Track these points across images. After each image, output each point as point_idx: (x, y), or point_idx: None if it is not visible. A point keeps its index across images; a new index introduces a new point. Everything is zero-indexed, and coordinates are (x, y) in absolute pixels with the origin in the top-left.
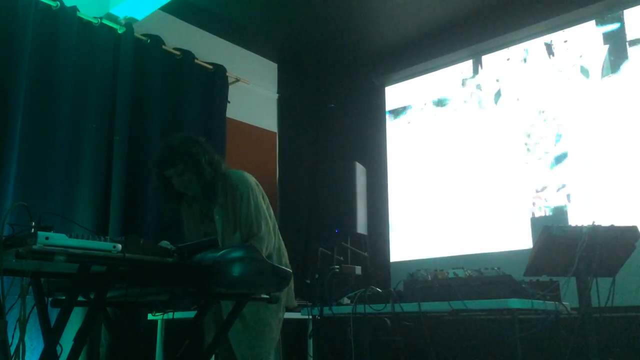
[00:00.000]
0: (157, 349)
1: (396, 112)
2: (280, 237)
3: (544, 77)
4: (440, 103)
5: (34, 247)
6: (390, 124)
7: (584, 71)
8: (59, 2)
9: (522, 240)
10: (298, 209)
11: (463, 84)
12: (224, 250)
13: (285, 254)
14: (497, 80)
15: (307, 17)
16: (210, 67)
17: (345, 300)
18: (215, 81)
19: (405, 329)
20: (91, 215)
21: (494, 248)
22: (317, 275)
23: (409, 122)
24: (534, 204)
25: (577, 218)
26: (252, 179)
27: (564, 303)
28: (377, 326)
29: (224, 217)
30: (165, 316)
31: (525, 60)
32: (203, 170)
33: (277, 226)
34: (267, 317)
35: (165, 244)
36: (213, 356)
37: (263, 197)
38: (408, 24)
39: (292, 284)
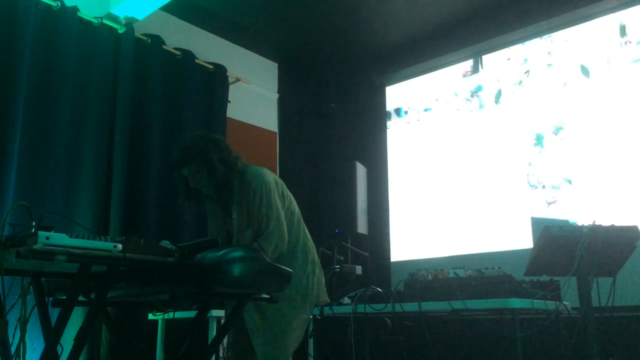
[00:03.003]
0: (158, 349)
1: (396, 112)
2: (307, 233)
3: (544, 76)
4: (440, 103)
5: (35, 247)
6: (391, 123)
7: (585, 70)
8: (59, 2)
9: (523, 240)
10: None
11: (463, 83)
12: (225, 250)
13: (313, 249)
14: (498, 80)
15: (308, 17)
16: (211, 66)
17: (346, 300)
18: (215, 81)
19: (406, 328)
20: (92, 215)
21: (494, 248)
22: None
23: (409, 122)
24: (534, 203)
25: (578, 218)
26: (269, 176)
27: (564, 303)
28: (377, 326)
29: (239, 214)
30: (166, 316)
31: (525, 59)
32: (214, 168)
33: (302, 222)
34: (289, 316)
35: (165, 243)
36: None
37: (283, 194)
38: (408, 24)
39: (322, 279)
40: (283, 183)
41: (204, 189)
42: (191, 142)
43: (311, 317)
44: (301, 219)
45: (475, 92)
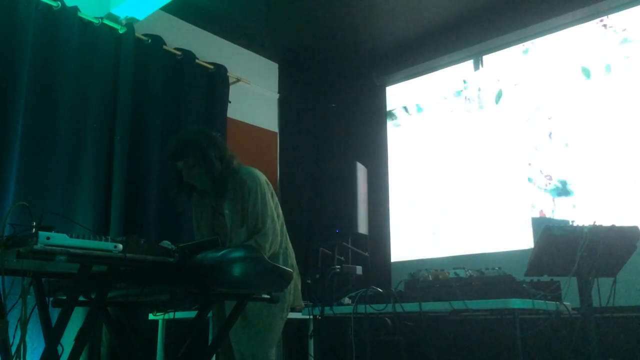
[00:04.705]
0: (158, 349)
1: (397, 112)
2: (288, 237)
3: (544, 77)
4: (440, 103)
5: (35, 247)
6: (391, 123)
7: (585, 71)
8: (59, 2)
9: (523, 240)
10: (299, 209)
11: (464, 83)
12: (225, 250)
13: (292, 254)
14: (498, 80)
15: (308, 17)
16: (211, 67)
17: (346, 300)
18: (216, 81)
19: (406, 329)
20: (92, 215)
21: (495, 248)
22: (318, 275)
23: (409, 122)
24: (534, 203)
25: (578, 218)
26: (262, 176)
27: (565, 303)
28: (378, 326)
29: (233, 211)
30: (166, 316)
31: (526, 60)
32: (212, 165)
33: (285, 226)
34: (269, 316)
35: (166, 243)
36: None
37: (272, 195)
38: (409, 24)
39: (299, 284)
40: (271, 186)
41: (198, 184)
42: (191, 136)
43: (312, 317)
44: (284, 223)
45: (476, 92)
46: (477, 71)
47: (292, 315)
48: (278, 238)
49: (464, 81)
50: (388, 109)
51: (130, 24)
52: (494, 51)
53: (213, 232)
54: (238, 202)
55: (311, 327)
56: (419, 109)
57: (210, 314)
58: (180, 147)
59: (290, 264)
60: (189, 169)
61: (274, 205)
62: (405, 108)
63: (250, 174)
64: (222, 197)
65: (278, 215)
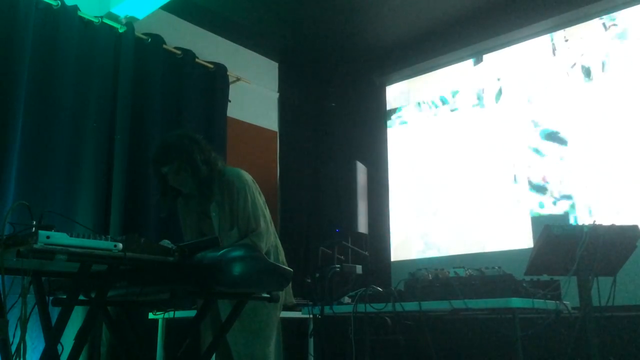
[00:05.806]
0: (158, 348)
1: (397, 111)
2: (277, 235)
3: (544, 76)
4: (440, 102)
5: (35, 246)
6: (391, 123)
7: (585, 70)
8: (59, 2)
9: (523, 239)
10: (299, 208)
11: (464, 83)
12: (225, 250)
13: (282, 252)
14: (498, 79)
15: (308, 16)
16: (211, 66)
17: (346, 299)
18: (216, 80)
19: (406, 328)
20: (92, 215)
21: (494, 247)
22: (317, 275)
23: (409, 122)
24: (534, 202)
25: (578, 217)
26: (248, 176)
27: (564, 302)
28: (377, 325)
29: (221, 214)
30: (166, 315)
31: (526, 59)
32: (198, 169)
33: (273, 224)
34: (263, 315)
35: (166, 243)
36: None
37: (260, 194)
38: (409, 23)
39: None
40: (257, 185)
41: (184, 188)
42: (175, 140)
43: (312, 316)
44: (272, 220)
45: (476, 91)
46: (477, 70)
47: (292, 314)
48: (271, 237)
49: (464, 80)
50: (388, 108)
51: (130, 23)
52: (495, 50)
53: (201, 235)
54: (226, 204)
55: (311, 327)
56: (419, 109)
57: None
58: (165, 152)
59: (281, 261)
60: (175, 174)
61: (262, 203)
62: (405, 107)
63: (237, 175)
64: (209, 200)
65: (266, 213)
